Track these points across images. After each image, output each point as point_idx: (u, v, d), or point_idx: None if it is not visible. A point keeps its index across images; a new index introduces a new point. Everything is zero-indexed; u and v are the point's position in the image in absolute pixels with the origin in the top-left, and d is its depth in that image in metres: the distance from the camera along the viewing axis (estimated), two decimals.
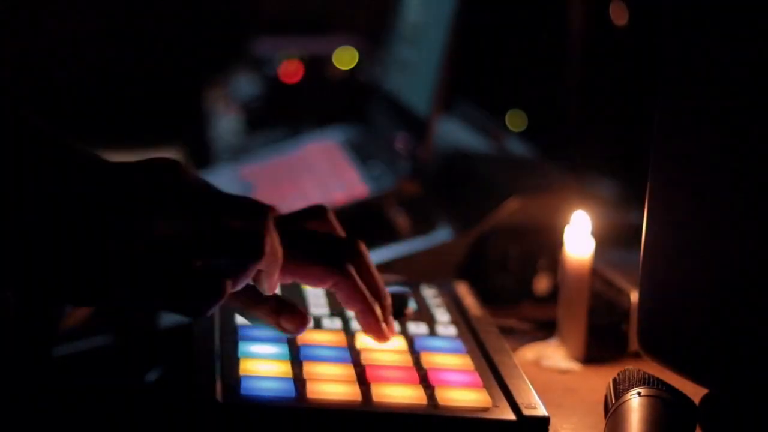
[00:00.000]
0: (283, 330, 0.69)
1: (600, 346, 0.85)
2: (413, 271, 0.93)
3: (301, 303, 0.77)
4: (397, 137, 1.16)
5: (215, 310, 0.62)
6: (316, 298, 0.79)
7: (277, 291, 0.70)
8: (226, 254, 0.61)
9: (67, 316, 0.85)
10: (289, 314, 0.69)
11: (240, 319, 0.74)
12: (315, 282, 0.70)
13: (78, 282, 0.58)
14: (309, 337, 0.73)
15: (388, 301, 0.73)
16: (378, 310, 0.72)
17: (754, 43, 0.65)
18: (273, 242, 0.63)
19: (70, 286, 0.58)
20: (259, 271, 0.65)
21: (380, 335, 0.72)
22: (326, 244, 0.71)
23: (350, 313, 0.76)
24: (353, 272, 0.70)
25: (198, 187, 0.62)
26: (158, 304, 0.61)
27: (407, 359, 0.72)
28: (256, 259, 0.62)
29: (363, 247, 0.72)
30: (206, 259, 0.60)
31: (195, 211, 0.60)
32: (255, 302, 0.68)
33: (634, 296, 0.83)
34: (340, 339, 0.74)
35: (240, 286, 0.62)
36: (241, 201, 0.63)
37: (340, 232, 0.74)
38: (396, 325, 0.76)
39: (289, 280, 0.70)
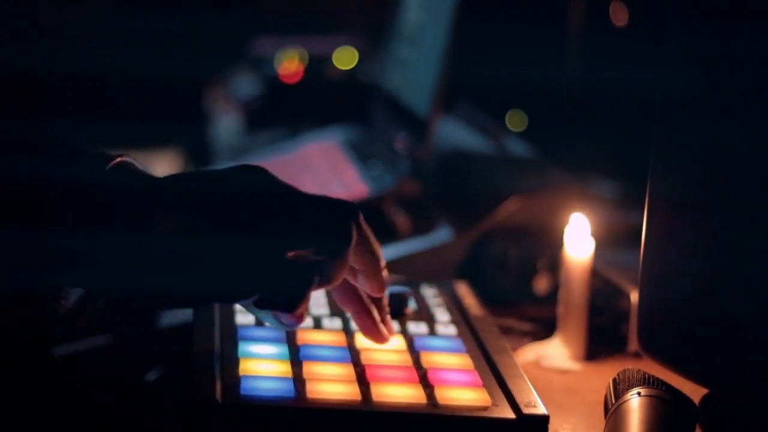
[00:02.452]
0: (286, 325, 0.70)
1: (600, 346, 0.85)
2: (413, 271, 0.93)
3: None
4: (397, 137, 1.16)
5: (307, 298, 0.65)
6: (316, 297, 0.79)
7: None
8: (317, 243, 0.65)
9: (67, 317, 0.85)
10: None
11: (240, 319, 0.74)
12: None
13: (183, 282, 0.63)
14: (309, 336, 0.73)
15: (384, 301, 0.73)
16: (374, 312, 0.72)
17: (752, 45, 0.65)
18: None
19: (177, 287, 0.63)
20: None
21: (376, 336, 0.72)
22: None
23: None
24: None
25: (288, 187, 0.67)
26: (258, 292, 0.64)
27: (407, 359, 0.72)
28: (347, 247, 0.66)
29: None
30: (297, 249, 0.64)
31: (289, 207, 0.65)
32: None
33: (634, 296, 0.83)
34: (339, 339, 0.74)
35: (335, 277, 0.65)
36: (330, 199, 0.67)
37: None
38: (396, 325, 0.76)
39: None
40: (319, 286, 0.65)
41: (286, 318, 0.67)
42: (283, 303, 0.64)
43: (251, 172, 0.67)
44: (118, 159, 0.65)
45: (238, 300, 0.66)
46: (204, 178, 0.67)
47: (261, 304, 0.65)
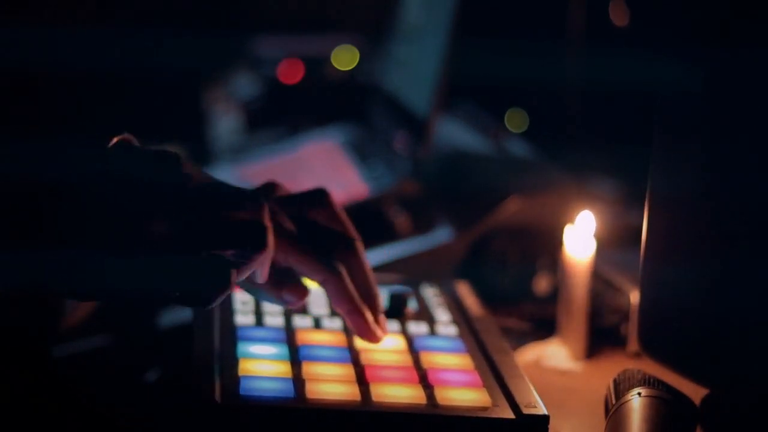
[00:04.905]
0: (286, 302, 0.69)
1: (600, 346, 0.85)
2: (413, 271, 0.93)
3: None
4: (397, 137, 1.16)
5: (221, 300, 0.62)
6: (316, 297, 0.79)
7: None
8: (232, 247, 0.62)
9: (68, 316, 0.85)
10: (291, 286, 0.69)
11: (239, 320, 0.74)
12: (305, 274, 0.70)
13: (89, 275, 0.59)
14: (308, 337, 0.73)
15: (379, 302, 0.73)
16: (368, 312, 0.71)
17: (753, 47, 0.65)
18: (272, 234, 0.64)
19: (81, 278, 0.59)
20: None
21: (369, 336, 0.72)
22: (321, 238, 0.71)
23: None
24: (343, 271, 0.70)
25: (199, 180, 0.63)
26: (169, 296, 0.62)
27: (407, 359, 0.72)
28: (261, 251, 0.62)
29: (359, 245, 0.72)
30: (213, 251, 0.61)
31: (199, 206, 0.61)
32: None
33: (634, 296, 0.83)
34: (339, 339, 0.74)
35: (245, 276, 0.63)
36: (242, 192, 0.64)
37: (342, 219, 0.73)
38: (396, 325, 0.76)
39: (284, 264, 0.70)
40: (242, 278, 0.63)
41: (287, 295, 0.67)
42: (199, 301, 0.61)
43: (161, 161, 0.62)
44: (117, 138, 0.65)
45: (152, 303, 0.64)
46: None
47: (178, 301, 0.62)
